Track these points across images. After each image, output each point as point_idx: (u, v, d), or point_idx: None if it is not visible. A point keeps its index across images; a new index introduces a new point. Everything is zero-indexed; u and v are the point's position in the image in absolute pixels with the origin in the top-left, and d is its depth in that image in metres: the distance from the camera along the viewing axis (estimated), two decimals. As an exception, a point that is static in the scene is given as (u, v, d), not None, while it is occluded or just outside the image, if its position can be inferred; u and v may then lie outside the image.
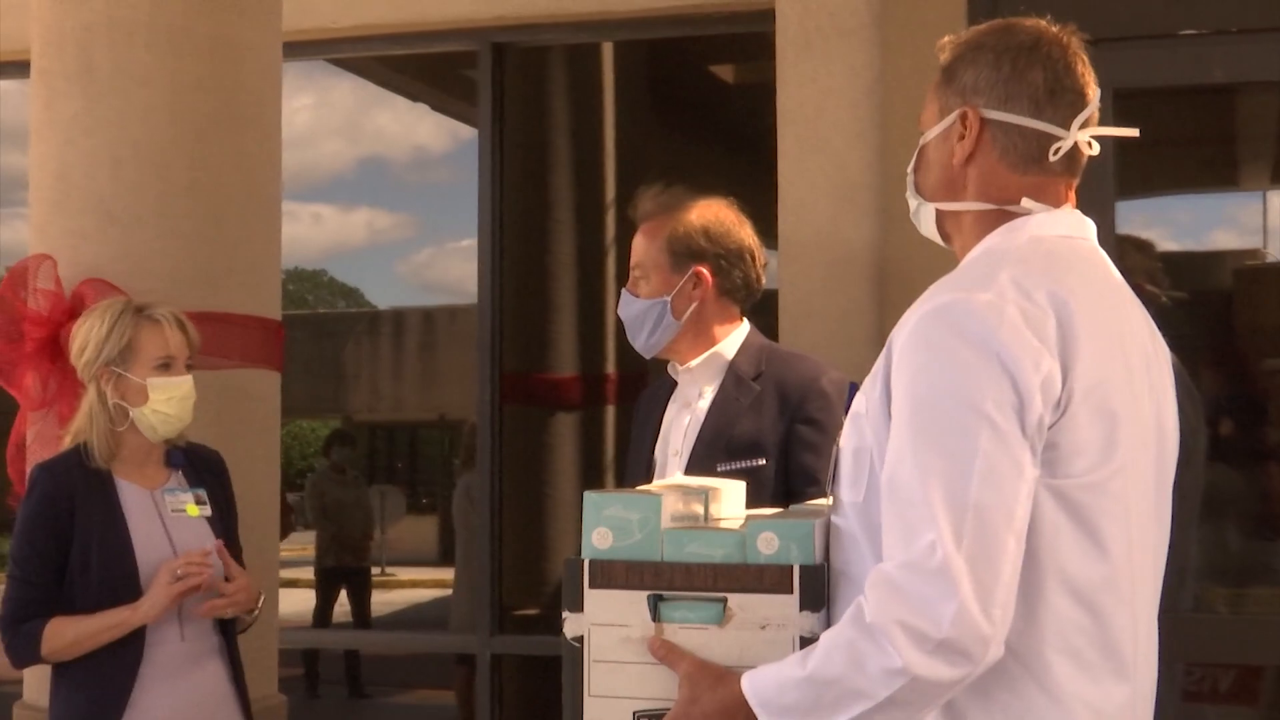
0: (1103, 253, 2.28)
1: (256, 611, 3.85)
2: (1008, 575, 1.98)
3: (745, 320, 3.60)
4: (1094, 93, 2.26)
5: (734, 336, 3.54)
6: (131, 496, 3.72)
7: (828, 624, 2.13)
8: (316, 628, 11.35)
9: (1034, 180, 2.24)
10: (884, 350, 2.15)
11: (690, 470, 3.34)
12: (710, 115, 10.15)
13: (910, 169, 2.38)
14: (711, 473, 3.18)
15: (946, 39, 2.33)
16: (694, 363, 3.52)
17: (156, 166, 4.35)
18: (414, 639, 11.18)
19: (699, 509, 2.38)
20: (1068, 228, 2.24)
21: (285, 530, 10.74)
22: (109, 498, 3.68)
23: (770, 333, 3.72)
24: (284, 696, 4.63)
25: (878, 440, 2.12)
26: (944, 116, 2.29)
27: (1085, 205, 2.32)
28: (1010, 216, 2.24)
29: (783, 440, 3.36)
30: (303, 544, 12.96)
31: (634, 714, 2.19)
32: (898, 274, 5.36)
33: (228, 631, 3.81)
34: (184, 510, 3.77)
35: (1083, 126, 2.24)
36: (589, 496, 2.24)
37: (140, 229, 4.33)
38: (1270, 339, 6.54)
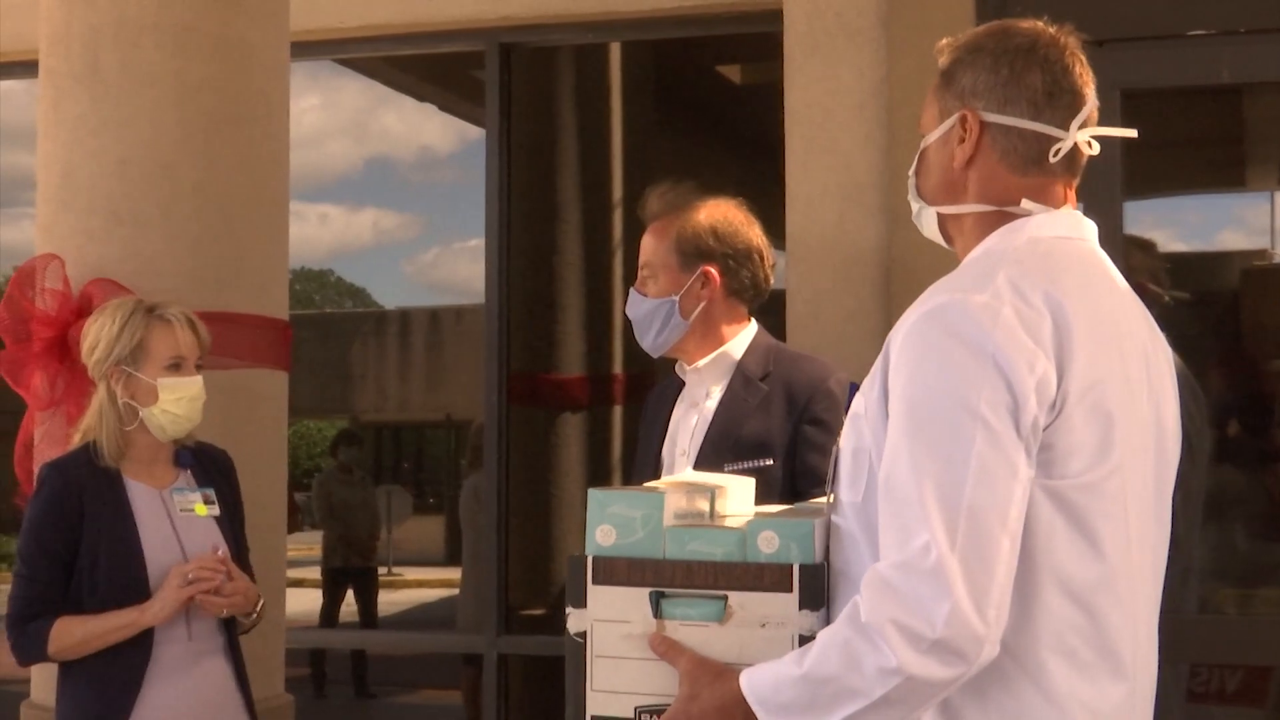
0: (1102, 253, 2.29)
1: (255, 615, 3.84)
2: (1002, 575, 1.99)
3: (753, 320, 3.60)
4: (1092, 93, 2.27)
5: (742, 336, 3.54)
6: (140, 496, 3.72)
7: (827, 623, 2.14)
8: (323, 627, 11.36)
9: (1034, 181, 2.25)
10: (882, 351, 2.17)
11: (697, 470, 3.34)
12: (717, 116, 10.16)
13: (911, 172, 2.39)
14: (718, 472, 3.18)
15: (945, 42, 2.34)
16: (702, 362, 3.52)
17: (163, 166, 4.35)
18: (420, 639, 11.18)
19: (704, 506, 2.40)
20: (1067, 229, 2.25)
21: (291, 529, 10.76)
22: (118, 497, 3.69)
23: (777, 332, 3.73)
24: (291, 696, 4.63)
25: (876, 441, 2.13)
26: (944, 120, 2.30)
27: (1092, 206, 2.33)
28: (1010, 218, 2.25)
29: (790, 441, 3.36)
30: (309, 544, 12.97)
31: (635, 709, 2.21)
32: (905, 274, 5.36)
33: (232, 631, 3.81)
34: (192, 510, 3.77)
35: (1082, 127, 2.25)
36: (593, 494, 2.26)
37: (147, 229, 4.33)
38: (1278, 340, 6.53)
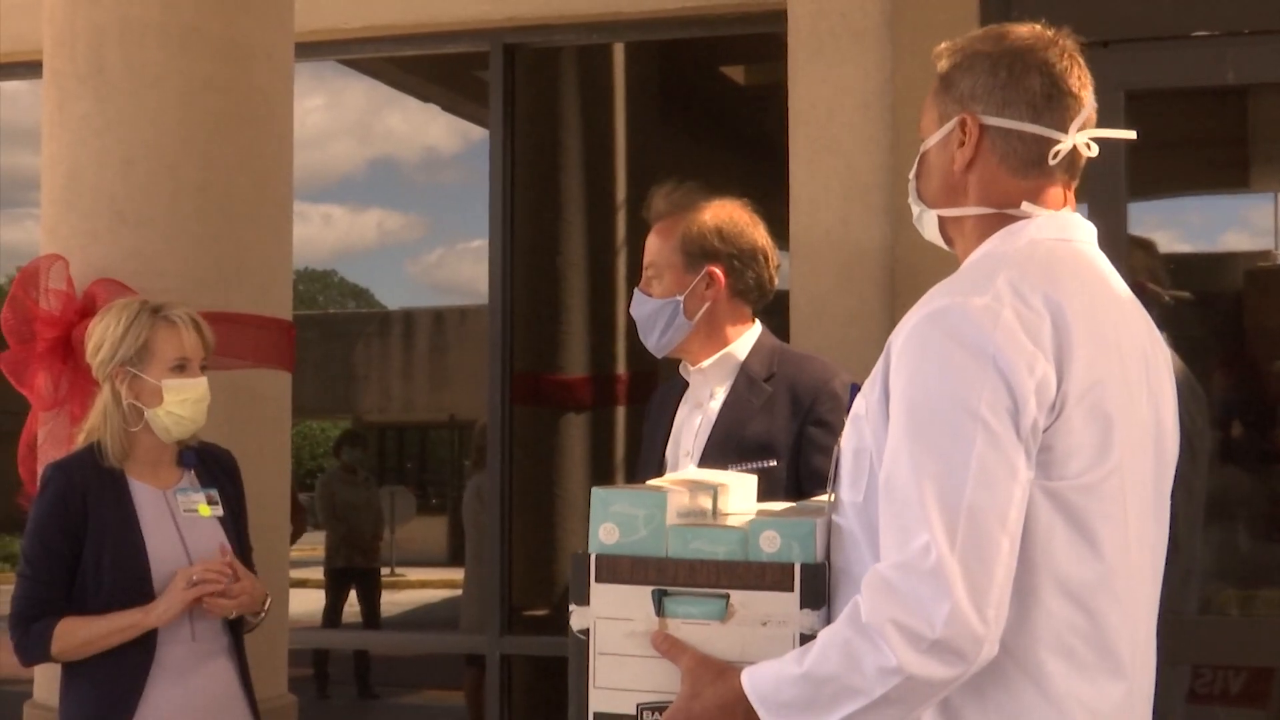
0: (1101, 255, 2.30)
1: (262, 614, 3.85)
2: (1001, 576, 2.01)
3: (757, 321, 3.60)
4: (1090, 95, 2.29)
5: (746, 337, 3.54)
6: (144, 496, 3.72)
7: (828, 622, 2.16)
8: (326, 628, 11.37)
9: (1034, 184, 2.27)
10: (883, 353, 2.19)
11: (700, 471, 3.34)
12: (721, 116, 10.15)
13: (912, 175, 2.41)
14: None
15: (943, 46, 2.36)
16: (706, 363, 3.52)
17: (167, 167, 4.35)
18: (423, 639, 11.20)
19: (707, 504, 2.42)
20: (1067, 231, 2.27)
21: (299, 531, 10.78)
22: (122, 497, 3.69)
23: (780, 333, 3.72)
24: (294, 696, 4.63)
25: (877, 441, 2.15)
26: (943, 123, 2.32)
27: (1096, 206, 2.34)
28: (1010, 220, 2.27)
29: (794, 442, 3.36)
30: (312, 544, 12.98)
31: (637, 706, 2.23)
32: (908, 275, 5.36)
33: (236, 631, 3.82)
34: (196, 510, 3.77)
35: (1081, 129, 2.27)
36: (596, 492, 2.28)
37: (151, 229, 4.33)
38: (1281, 341, 6.53)
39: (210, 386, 3.79)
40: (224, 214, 4.42)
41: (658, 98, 8.52)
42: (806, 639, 2.15)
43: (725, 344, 3.52)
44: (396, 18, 6.84)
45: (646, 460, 3.66)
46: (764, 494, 2.88)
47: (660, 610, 2.21)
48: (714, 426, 3.45)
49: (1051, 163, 2.26)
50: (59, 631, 3.60)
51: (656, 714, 2.20)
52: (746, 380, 3.47)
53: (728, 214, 3.53)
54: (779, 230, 3.87)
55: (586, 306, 8.06)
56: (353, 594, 11.96)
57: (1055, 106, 2.25)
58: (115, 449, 3.71)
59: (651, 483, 2.50)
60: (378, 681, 11.94)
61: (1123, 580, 2.14)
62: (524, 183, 7.18)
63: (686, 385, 3.61)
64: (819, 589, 2.19)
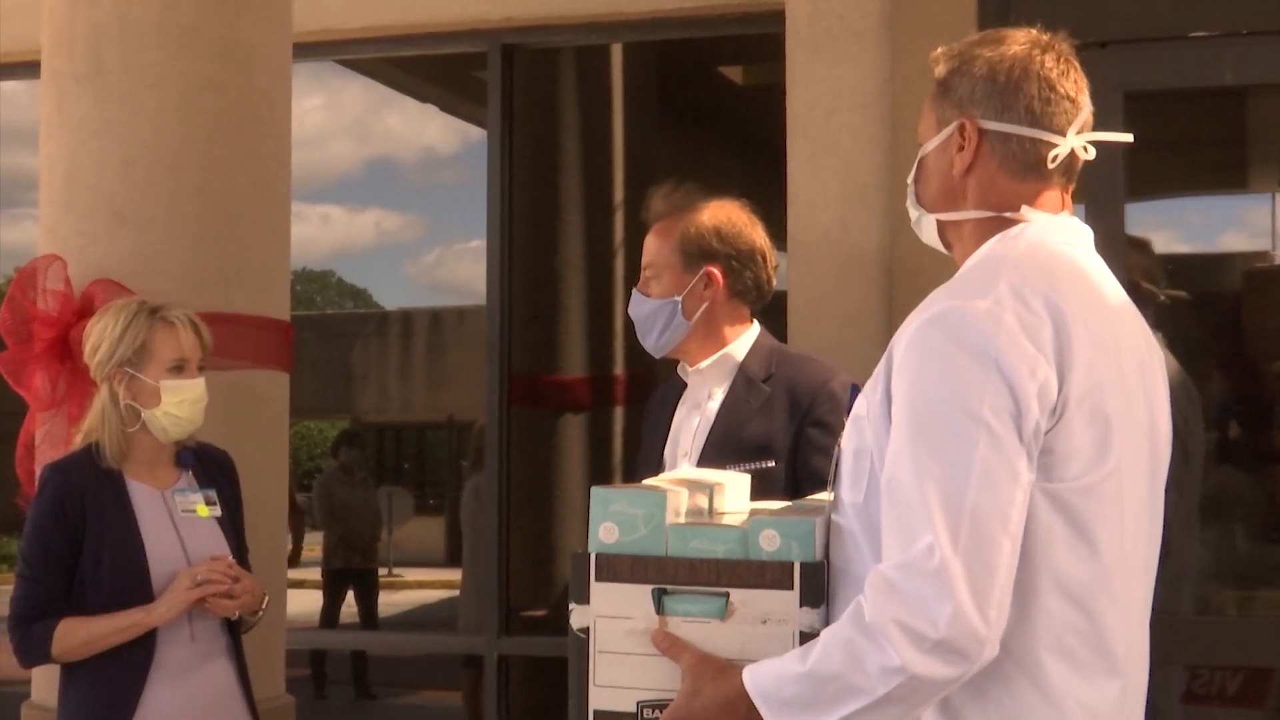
0: (1099, 258, 2.32)
1: (261, 613, 3.85)
2: (1003, 577, 2.03)
3: (755, 322, 3.60)
4: (1087, 98, 2.31)
5: (744, 338, 3.54)
6: (142, 497, 3.72)
7: (827, 620, 2.18)
8: (324, 628, 11.37)
9: (1032, 187, 2.29)
10: (885, 355, 2.20)
11: (698, 472, 3.34)
12: (720, 117, 10.15)
13: (910, 179, 2.42)
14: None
15: (940, 51, 2.38)
16: (704, 364, 3.52)
17: (166, 167, 4.36)
18: (421, 640, 11.20)
19: (703, 503, 2.44)
20: (1065, 234, 2.29)
21: (295, 530, 10.76)
22: (120, 497, 3.69)
23: (778, 334, 3.73)
24: (291, 697, 4.63)
25: (878, 443, 2.17)
26: (942, 128, 2.33)
27: (1094, 207, 2.35)
28: (1009, 224, 2.29)
29: (793, 443, 3.36)
30: (310, 544, 12.98)
31: (638, 704, 2.24)
32: (907, 275, 5.35)
33: (234, 632, 3.82)
34: (194, 511, 3.77)
35: (1078, 132, 2.29)
36: (596, 492, 2.29)
37: (150, 230, 4.34)
38: (1279, 341, 6.52)
39: (209, 387, 3.79)
40: (222, 214, 4.42)
41: (656, 98, 8.52)
42: (806, 637, 2.16)
43: (723, 344, 3.52)
44: (395, 18, 6.84)
45: (645, 461, 3.66)
46: (762, 494, 2.88)
47: (660, 609, 2.23)
48: (712, 427, 3.45)
49: (1050, 167, 2.28)
50: (59, 632, 3.60)
51: (657, 711, 2.22)
52: (745, 381, 3.47)
53: (726, 214, 3.54)
54: (777, 231, 3.87)
55: (584, 307, 8.07)
56: (350, 594, 11.95)
57: (1053, 111, 2.27)
58: (113, 450, 3.71)
59: (647, 482, 2.51)
60: (375, 682, 11.93)
61: (1119, 580, 2.16)
62: (522, 183, 7.19)
63: (685, 386, 3.61)
64: (818, 587, 2.20)
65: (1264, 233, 7.96)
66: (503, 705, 6.87)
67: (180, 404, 3.72)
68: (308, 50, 5.89)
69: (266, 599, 3.85)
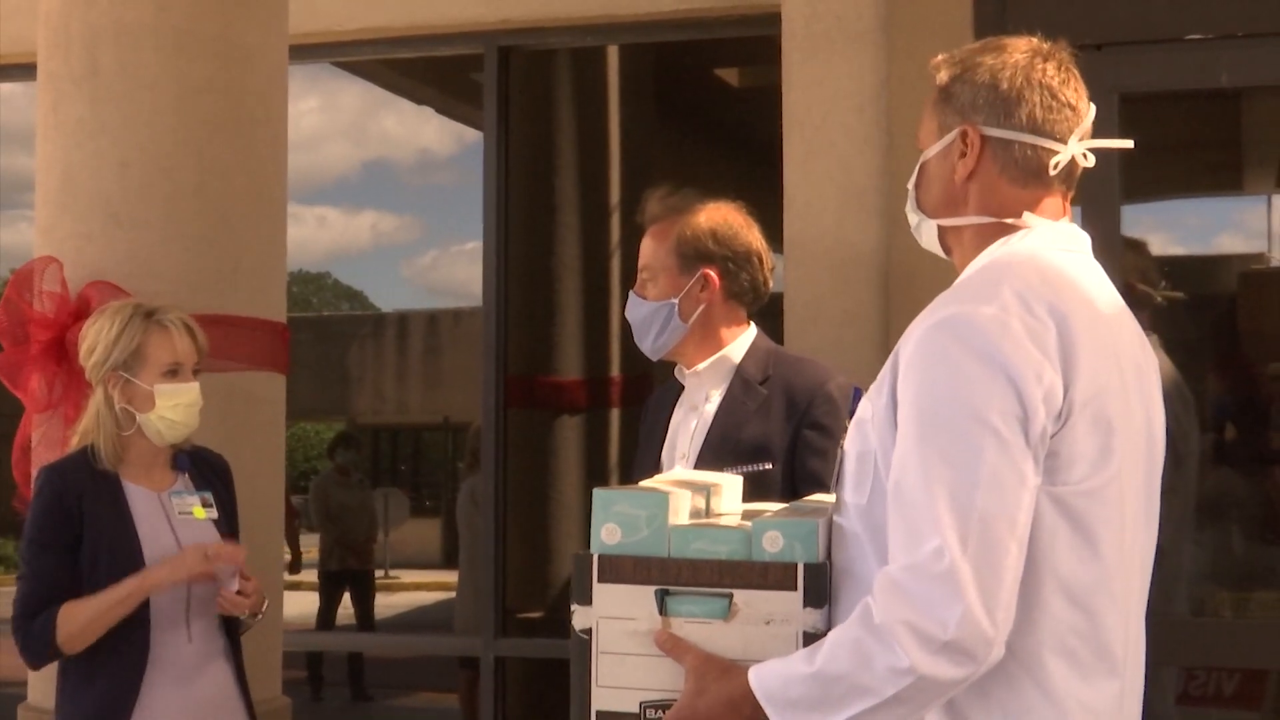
0: (1097, 265, 2.34)
1: (261, 615, 3.86)
2: (1010, 580, 2.05)
3: (752, 324, 3.60)
4: (1087, 105, 2.33)
5: (741, 340, 3.54)
6: (139, 499, 3.72)
7: (829, 620, 2.20)
8: (320, 630, 11.38)
9: (1034, 194, 2.31)
10: (889, 360, 2.22)
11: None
12: (716, 119, 10.16)
13: (911, 185, 2.44)
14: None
15: (941, 58, 2.39)
16: (701, 366, 3.52)
17: (162, 169, 4.35)
18: (417, 642, 11.20)
19: (701, 504, 2.45)
20: (1065, 241, 2.31)
21: (290, 532, 10.74)
22: (117, 499, 3.69)
23: (775, 335, 3.73)
24: (288, 699, 4.63)
25: (882, 446, 2.18)
26: (943, 134, 2.35)
27: (1091, 209, 2.36)
28: (1009, 230, 2.31)
29: (790, 445, 3.36)
30: (307, 546, 12.98)
31: (640, 704, 2.25)
32: (903, 277, 5.36)
33: (233, 633, 3.82)
34: (191, 513, 3.77)
35: (1079, 139, 2.31)
36: (598, 493, 2.29)
37: (146, 231, 4.33)
38: (1275, 343, 6.53)
39: (205, 389, 3.79)
40: (219, 216, 4.42)
41: (652, 100, 8.52)
42: (809, 638, 2.18)
43: (720, 346, 3.52)
44: (391, 20, 6.84)
45: (642, 463, 3.66)
46: (759, 496, 2.89)
47: (663, 610, 2.23)
48: (709, 429, 3.45)
49: (1051, 173, 2.29)
50: (61, 618, 3.58)
51: (659, 712, 2.22)
52: (742, 383, 3.47)
53: (722, 216, 3.54)
54: (773, 232, 3.87)
55: (581, 309, 8.07)
56: (347, 596, 11.96)
57: (1055, 118, 2.29)
58: (108, 452, 3.71)
59: (645, 483, 2.52)
60: (372, 684, 11.94)
61: (1119, 582, 2.19)
62: (518, 185, 7.19)
63: (682, 388, 3.61)
64: (821, 588, 2.21)
65: (1259, 235, 7.97)
66: (499, 707, 6.86)
67: (175, 408, 3.72)
68: (304, 52, 5.89)
69: (266, 601, 3.85)
